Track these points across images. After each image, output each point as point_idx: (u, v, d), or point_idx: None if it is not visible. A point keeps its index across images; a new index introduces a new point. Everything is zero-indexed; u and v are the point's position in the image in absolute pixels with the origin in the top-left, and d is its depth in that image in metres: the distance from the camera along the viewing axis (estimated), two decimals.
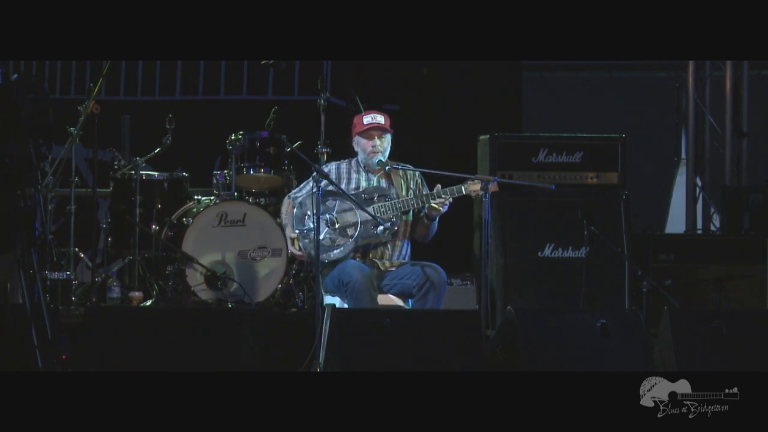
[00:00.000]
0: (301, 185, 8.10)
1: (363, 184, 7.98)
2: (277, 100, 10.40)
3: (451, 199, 7.78)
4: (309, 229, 7.83)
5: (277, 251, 9.09)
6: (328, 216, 7.82)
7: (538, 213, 9.07)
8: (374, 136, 7.93)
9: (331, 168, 8.05)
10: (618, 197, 9.12)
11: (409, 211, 7.93)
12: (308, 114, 9.68)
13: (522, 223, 9.06)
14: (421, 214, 7.93)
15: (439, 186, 7.82)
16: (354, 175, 8.02)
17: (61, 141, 9.11)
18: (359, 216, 7.84)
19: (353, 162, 8.07)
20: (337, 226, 7.83)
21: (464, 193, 7.78)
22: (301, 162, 8.29)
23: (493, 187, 7.74)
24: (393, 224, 7.87)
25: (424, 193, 8.01)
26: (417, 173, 8.09)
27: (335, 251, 7.82)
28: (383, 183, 8.02)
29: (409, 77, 11.06)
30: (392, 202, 7.85)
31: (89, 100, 9.12)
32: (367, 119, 7.99)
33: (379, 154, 7.95)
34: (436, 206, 7.78)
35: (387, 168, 8.02)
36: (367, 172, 8.03)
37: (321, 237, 7.70)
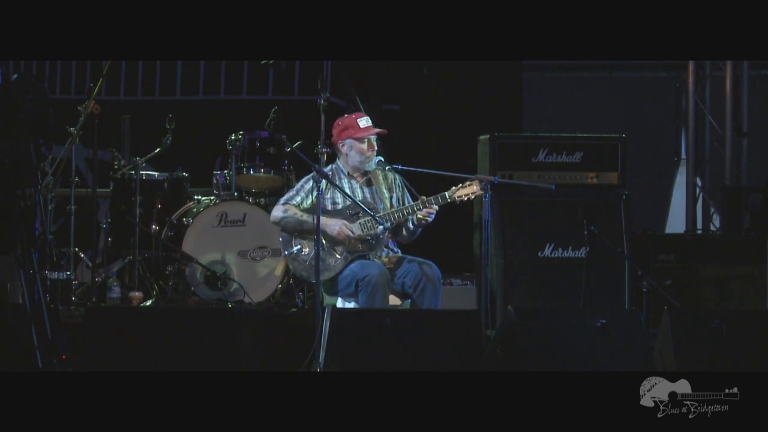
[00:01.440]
0: (292, 191, 8.04)
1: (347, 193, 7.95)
2: (277, 100, 10.39)
3: (437, 207, 7.76)
4: (297, 251, 7.83)
5: (277, 251, 9.09)
6: (315, 237, 7.78)
7: (538, 213, 9.06)
8: (371, 141, 7.93)
9: (316, 176, 7.98)
10: (618, 197, 9.12)
11: (392, 222, 7.92)
12: (308, 114, 9.68)
13: (522, 223, 9.05)
14: (408, 223, 7.92)
15: (423, 197, 7.80)
16: (337, 183, 7.98)
17: (61, 141, 9.11)
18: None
19: (334, 168, 8.03)
20: (325, 245, 7.81)
21: (448, 200, 7.76)
22: (301, 162, 8.29)
23: (479, 190, 7.73)
24: (392, 224, 7.88)
25: (406, 201, 7.98)
26: (398, 177, 8.08)
27: (326, 273, 7.79)
28: (366, 191, 8.00)
29: (409, 77, 11.06)
30: (377, 216, 7.82)
31: (89, 100, 9.12)
32: (363, 122, 7.95)
33: (373, 157, 7.95)
34: (423, 217, 7.77)
35: (388, 168, 8.01)
36: (350, 178, 8.00)
37: (311, 259, 7.69)
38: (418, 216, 7.77)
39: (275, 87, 11.24)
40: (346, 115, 8.11)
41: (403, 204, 7.98)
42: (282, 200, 8.00)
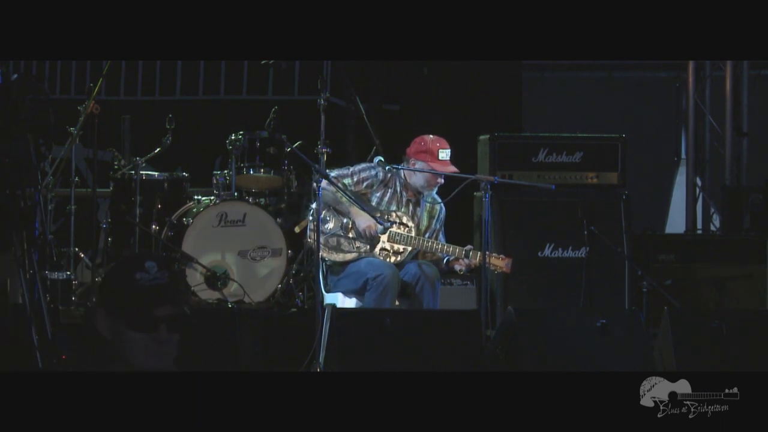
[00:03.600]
0: (347, 169, 8.03)
1: (394, 203, 7.96)
2: (277, 100, 10.39)
3: (476, 264, 7.80)
4: (322, 220, 7.86)
5: (277, 251, 9.09)
6: (345, 220, 7.82)
7: (538, 213, 9.06)
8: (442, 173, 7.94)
9: (378, 171, 7.98)
10: (618, 197, 9.12)
11: (417, 249, 7.96)
12: (308, 114, 9.68)
13: (522, 223, 9.05)
14: (442, 263, 7.96)
15: (470, 246, 7.83)
16: (389, 190, 7.99)
17: (61, 141, 9.10)
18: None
19: (394, 172, 7.99)
20: (350, 234, 7.84)
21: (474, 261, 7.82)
22: (301, 162, 8.29)
23: (506, 268, 7.80)
24: (392, 224, 7.89)
25: (440, 237, 8.00)
26: (443, 214, 8.09)
27: (337, 255, 7.81)
28: (410, 207, 8.01)
29: (409, 77, 11.06)
30: (408, 235, 7.86)
31: (89, 100, 9.11)
32: (443, 155, 7.94)
33: (434, 189, 7.98)
34: (467, 265, 7.81)
35: (387, 167, 8.01)
36: (404, 189, 7.99)
37: (329, 234, 7.72)
38: (462, 261, 7.79)
39: (275, 87, 11.24)
40: (432, 137, 8.08)
41: (437, 239, 8.01)
42: (333, 173, 7.99)
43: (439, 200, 8.09)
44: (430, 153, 7.93)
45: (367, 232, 7.79)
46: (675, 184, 12.20)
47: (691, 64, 11.39)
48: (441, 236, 8.07)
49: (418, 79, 11.09)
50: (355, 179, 7.90)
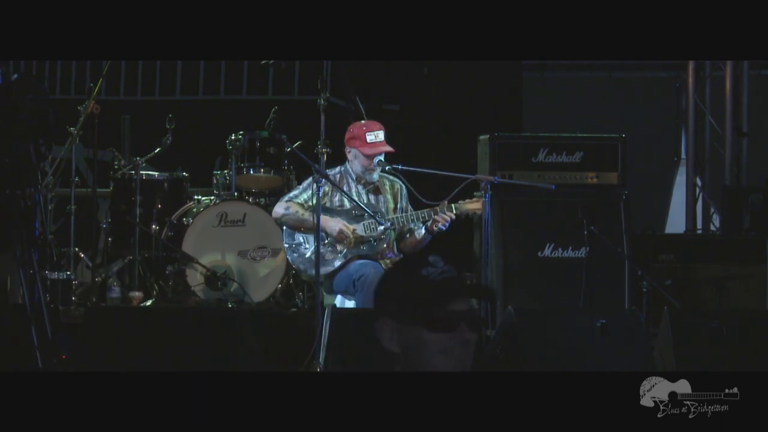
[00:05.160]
0: (298, 188, 8.08)
1: (353, 197, 7.98)
2: (277, 100, 10.39)
3: (453, 216, 7.79)
4: (298, 243, 7.86)
5: (277, 251, 9.09)
6: (322, 234, 7.81)
7: (538, 213, 9.05)
8: (376, 156, 7.94)
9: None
10: (618, 197, 9.11)
11: (395, 228, 7.96)
12: (308, 114, 9.68)
13: (522, 223, 9.04)
14: (419, 230, 7.95)
15: (445, 201, 7.83)
16: (344, 187, 8.01)
17: (61, 141, 9.11)
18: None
19: (343, 171, 8.05)
20: (326, 240, 7.83)
21: (460, 212, 7.80)
22: (301, 162, 8.29)
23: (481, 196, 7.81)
24: (392, 224, 7.89)
25: (410, 212, 8.00)
26: (404, 188, 8.11)
27: (327, 268, 7.81)
28: (371, 196, 8.03)
29: (409, 77, 11.06)
30: (381, 219, 7.86)
31: (89, 100, 9.12)
32: (371, 137, 7.96)
33: (377, 170, 7.97)
34: (442, 220, 7.78)
35: (388, 168, 8.01)
36: (357, 183, 8.03)
37: (311, 253, 7.71)
38: (436, 218, 7.77)
39: (275, 87, 11.24)
40: (362, 122, 8.12)
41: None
42: (285, 197, 8.03)
43: (395, 178, 8.09)
44: (358, 138, 7.97)
45: (342, 234, 7.80)
46: (675, 184, 12.20)
47: (691, 64, 11.39)
48: (411, 211, 8.08)
49: (418, 79, 11.09)
50: (311, 192, 7.91)
